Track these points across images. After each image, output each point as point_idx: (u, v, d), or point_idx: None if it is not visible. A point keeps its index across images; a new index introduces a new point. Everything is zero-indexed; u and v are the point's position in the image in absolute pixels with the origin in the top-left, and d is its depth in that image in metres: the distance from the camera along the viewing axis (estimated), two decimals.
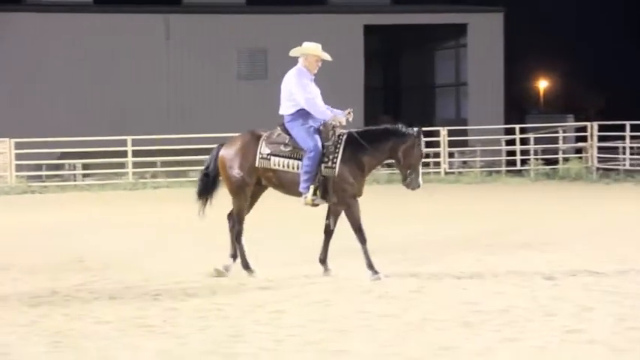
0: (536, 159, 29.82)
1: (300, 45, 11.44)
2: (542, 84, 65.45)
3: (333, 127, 11.07)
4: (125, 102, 37.91)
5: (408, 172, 10.96)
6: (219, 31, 39.30)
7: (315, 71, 11.37)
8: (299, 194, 11.03)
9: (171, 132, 32.68)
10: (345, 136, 11.05)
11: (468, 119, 40.62)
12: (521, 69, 58.16)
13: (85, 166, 30.04)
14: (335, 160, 10.92)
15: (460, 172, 29.31)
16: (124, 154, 28.42)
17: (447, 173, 28.66)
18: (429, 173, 26.71)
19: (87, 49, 37.54)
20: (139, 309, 9.35)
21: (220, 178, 11.60)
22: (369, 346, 7.71)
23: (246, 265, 11.21)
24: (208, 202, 11.72)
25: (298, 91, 11.10)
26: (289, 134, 11.12)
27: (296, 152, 11.00)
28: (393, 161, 11.17)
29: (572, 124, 39.05)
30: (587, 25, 65.21)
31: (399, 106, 45.48)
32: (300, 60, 11.36)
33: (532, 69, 63.15)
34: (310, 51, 11.30)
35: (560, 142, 31.14)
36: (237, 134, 11.83)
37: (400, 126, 11.12)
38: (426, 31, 42.37)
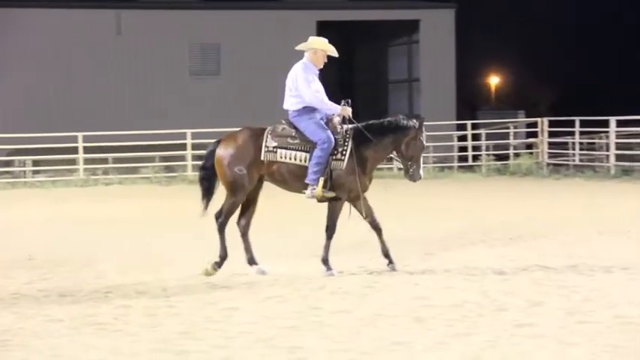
0: (488, 155, 30.04)
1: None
2: (494, 80, 65.89)
3: (341, 120, 11.07)
4: (76, 98, 37.58)
5: (410, 164, 11.03)
6: (171, 27, 39.09)
7: (322, 66, 11.29)
8: (302, 189, 10.95)
9: (123, 128, 32.46)
10: (352, 130, 11.06)
11: (420, 115, 40.75)
12: (473, 65, 58.49)
13: (36, 163, 29.78)
14: (344, 152, 10.92)
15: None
16: (75, 150, 28.20)
17: (399, 169, 28.75)
18: (381, 169, 26.79)
19: (37, 45, 37.15)
20: (91, 307, 9.29)
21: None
22: (321, 342, 7.72)
23: (223, 258, 11.05)
24: (211, 201, 11.36)
25: (304, 87, 11.03)
26: (295, 128, 11.01)
27: (304, 145, 10.93)
28: (395, 154, 11.20)
29: (523, 119, 39.36)
30: (537, 21, 65.72)
31: (352, 102, 45.51)
32: (307, 54, 11.24)
33: (483, 65, 63.53)
34: (320, 45, 11.23)
35: (511, 137, 31.39)
36: (234, 130, 11.59)
37: (402, 118, 11.17)
38: (379, 27, 42.47)
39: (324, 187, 10.84)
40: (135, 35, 38.66)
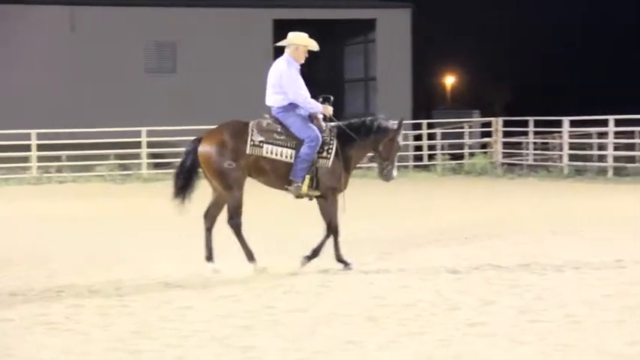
0: (443, 154, 30.20)
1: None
2: (449, 80, 66.25)
3: (323, 118, 11.09)
4: (29, 95, 37.23)
5: (385, 163, 11.14)
6: (126, 24, 38.84)
7: (303, 62, 11.26)
8: (285, 186, 10.92)
9: (78, 126, 32.22)
10: (335, 129, 11.08)
11: (376, 114, 40.86)
12: (429, 65, 58.75)
13: None
14: (330, 150, 10.95)
15: (368, 167, 29.49)
16: (28, 147, 27.95)
17: (355, 168, 28.80)
18: None
19: None
20: (42, 306, 9.21)
21: (200, 172, 11.08)
22: (274, 341, 7.72)
23: (250, 257, 10.92)
24: (187, 199, 11.15)
25: (289, 84, 11.00)
26: (280, 124, 10.96)
27: (289, 141, 10.89)
28: (372, 153, 11.27)
29: (477, 119, 39.61)
30: (491, 21, 66.13)
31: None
32: (288, 50, 11.21)
33: (439, 65, 63.86)
34: (301, 41, 11.20)
35: (466, 137, 31.59)
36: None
37: (382, 118, 11.24)
38: (336, 26, 42.54)
39: (309, 185, 10.87)
40: (89, 32, 38.37)
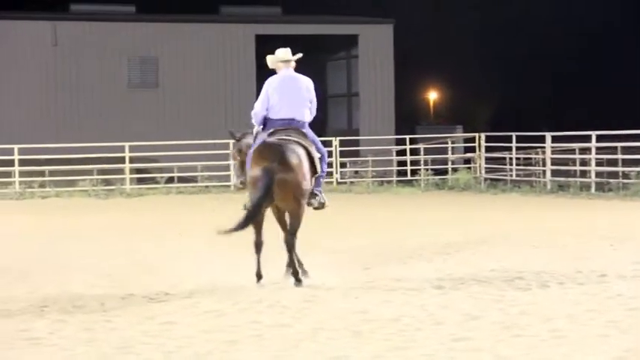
0: (426, 169, 30.26)
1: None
2: (432, 95, 66.45)
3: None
4: (11, 110, 37.15)
5: None
6: (108, 39, 38.84)
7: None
8: (310, 200, 11.01)
9: (60, 141, 32.18)
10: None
11: (359, 129, 41.00)
12: (412, 80, 58.93)
13: None
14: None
15: (352, 182, 29.54)
16: (10, 162, 27.85)
17: (338, 183, 28.85)
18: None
19: None
20: (25, 321, 9.15)
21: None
22: (258, 356, 7.69)
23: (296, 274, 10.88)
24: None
25: (315, 100, 11.22)
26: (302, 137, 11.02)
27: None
28: None
29: (460, 134, 39.73)
30: (474, 37, 66.41)
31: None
32: (293, 67, 11.26)
33: (422, 80, 64.05)
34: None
35: (449, 152, 31.67)
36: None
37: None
38: (318, 41, 42.64)
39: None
40: (72, 47, 38.34)
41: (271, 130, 10.98)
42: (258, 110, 11.13)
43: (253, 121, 11.20)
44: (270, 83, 11.25)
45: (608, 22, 66.90)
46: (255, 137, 11.10)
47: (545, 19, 68.01)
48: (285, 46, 11.52)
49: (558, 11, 67.01)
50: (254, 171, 10.58)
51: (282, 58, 11.35)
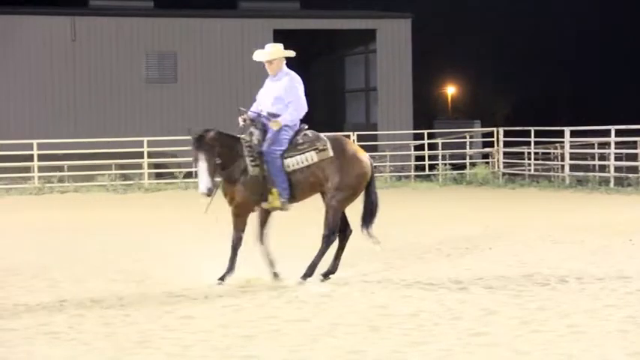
0: (444, 164, 30.20)
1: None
2: (450, 90, 66.29)
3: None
4: (31, 104, 37.29)
5: None
6: (126, 34, 38.91)
7: (272, 74, 11.35)
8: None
9: (79, 136, 32.28)
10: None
11: (377, 124, 40.96)
12: (430, 75, 58.83)
13: None
14: None
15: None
16: (30, 157, 27.95)
17: None
18: None
19: None
20: (45, 316, 9.20)
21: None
22: (276, 351, 7.71)
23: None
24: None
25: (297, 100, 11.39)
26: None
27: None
28: None
29: (479, 129, 39.63)
30: (493, 32, 66.19)
31: (309, 111, 45.62)
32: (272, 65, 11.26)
33: (440, 75, 63.93)
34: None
35: (468, 147, 31.59)
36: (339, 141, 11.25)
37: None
38: (336, 36, 42.59)
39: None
40: (90, 42, 38.43)
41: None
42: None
43: (291, 120, 11.10)
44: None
45: (628, 15, 66.55)
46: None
47: (564, 13, 67.70)
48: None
49: (577, 5, 66.69)
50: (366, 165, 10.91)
51: (256, 58, 11.26)
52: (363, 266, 11.74)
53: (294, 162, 10.79)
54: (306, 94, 11.37)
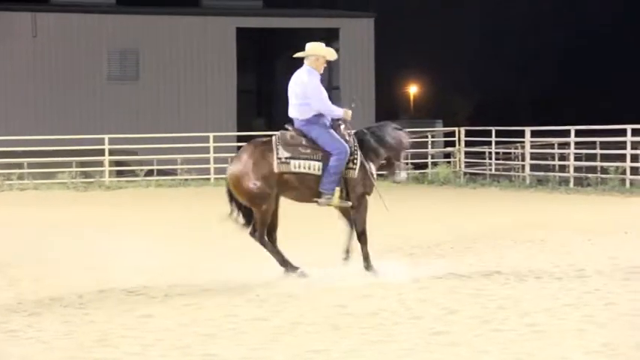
0: (406, 163, 30.27)
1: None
2: (413, 89, 66.49)
3: (342, 124, 11.12)
4: None
5: (397, 164, 11.54)
6: (88, 31, 38.69)
7: (322, 71, 11.24)
8: (315, 198, 10.99)
9: (40, 132, 32.02)
10: (354, 137, 11.21)
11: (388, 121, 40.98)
12: (392, 74, 58.96)
13: None
14: (355, 161, 11.07)
15: None
16: None
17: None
18: None
19: None
20: (2, 314, 9.12)
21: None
22: (236, 350, 7.69)
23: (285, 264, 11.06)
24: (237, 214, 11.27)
25: (314, 94, 11.01)
26: (304, 136, 10.99)
27: (315, 154, 10.93)
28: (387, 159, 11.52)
29: (440, 129, 39.77)
30: (454, 31, 66.47)
31: (272, 109, 45.63)
32: (308, 61, 11.16)
33: (403, 74, 64.09)
34: (320, 51, 11.18)
35: (429, 146, 31.70)
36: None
37: (391, 123, 11.58)
38: (299, 34, 42.59)
39: (340, 197, 11.01)
40: (51, 38, 38.17)
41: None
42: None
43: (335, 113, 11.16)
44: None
45: (587, 11, 67.07)
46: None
47: (528, 12, 68.13)
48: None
49: (537, 3, 67.13)
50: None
51: (332, 57, 11.35)
52: (324, 265, 11.72)
53: None
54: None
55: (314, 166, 10.94)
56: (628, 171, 24.52)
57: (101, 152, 28.53)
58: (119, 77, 39.18)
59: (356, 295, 9.98)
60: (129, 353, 7.60)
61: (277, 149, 10.91)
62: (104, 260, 12.46)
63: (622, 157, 24.84)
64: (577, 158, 27.11)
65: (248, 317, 8.90)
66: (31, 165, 28.67)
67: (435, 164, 30.27)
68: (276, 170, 10.88)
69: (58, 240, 14.84)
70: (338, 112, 11.16)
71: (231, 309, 9.29)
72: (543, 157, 29.33)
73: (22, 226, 17.23)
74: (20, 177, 27.90)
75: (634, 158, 24.59)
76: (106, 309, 9.36)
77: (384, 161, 11.54)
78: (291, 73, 11.43)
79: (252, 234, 11.09)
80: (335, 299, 9.73)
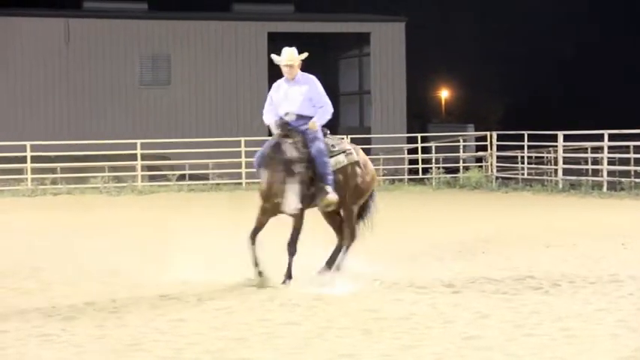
0: (438, 167, 30.22)
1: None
2: (444, 93, 66.32)
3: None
4: (24, 106, 37.27)
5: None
6: (120, 36, 38.93)
7: (290, 77, 11.20)
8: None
9: (73, 137, 32.25)
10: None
11: (371, 127, 40.97)
12: (424, 78, 58.84)
13: None
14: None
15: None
16: (22, 159, 27.90)
17: None
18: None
19: None
20: (37, 318, 9.18)
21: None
22: (268, 354, 7.70)
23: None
24: None
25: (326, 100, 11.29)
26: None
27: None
28: None
29: (472, 133, 39.67)
30: (486, 35, 66.26)
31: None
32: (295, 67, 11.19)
33: (434, 78, 63.94)
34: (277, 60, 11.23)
35: (461, 151, 31.61)
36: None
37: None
38: (330, 39, 42.63)
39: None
40: (84, 44, 38.44)
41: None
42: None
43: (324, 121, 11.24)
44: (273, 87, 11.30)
45: (624, 18, 66.67)
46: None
47: (560, 16, 67.79)
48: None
49: (573, 7, 66.78)
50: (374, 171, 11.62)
51: (279, 61, 11.21)
52: (356, 270, 11.71)
53: (332, 163, 10.91)
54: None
55: None
56: None
57: (133, 157, 28.66)
58: (151, 82, 39.38)
59: (387, 299, 9.96)
60: (162, 357, 7.63)
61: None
62: (137, 264, 12.50)
63: None
64: (610, 162, 26.94)
65: (280, 321, 8.91)
66: (64, 170, 28.84)
67: (466, 168, 30.17)
68: None
69: (91, 244, 14.92)
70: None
71: (263, 313, 9.30)
72: (576, 161, 29.16)
73: (55, 230, 17.33)
74: (53, 182, 28.07)
75: None
76: (139, 313, 9.39)
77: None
78: (321, 78, 11.42)
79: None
80: (366, 304, 9.72)
